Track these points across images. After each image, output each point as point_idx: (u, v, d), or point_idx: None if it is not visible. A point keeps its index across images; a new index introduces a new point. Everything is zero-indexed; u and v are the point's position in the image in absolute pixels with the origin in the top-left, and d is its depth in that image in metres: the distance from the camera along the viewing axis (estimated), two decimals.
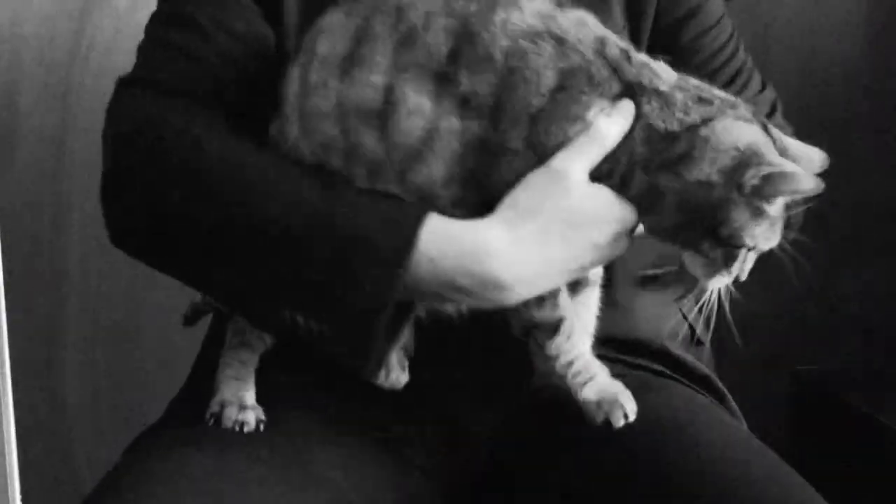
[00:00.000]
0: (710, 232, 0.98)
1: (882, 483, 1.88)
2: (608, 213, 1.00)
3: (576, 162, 0.98)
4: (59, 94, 1.97)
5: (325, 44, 1.01)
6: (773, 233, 1.00)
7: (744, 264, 1.01)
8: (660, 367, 1.26)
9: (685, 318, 1.32)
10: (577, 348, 1.07)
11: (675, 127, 0.98)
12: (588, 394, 1.07)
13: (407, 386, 1.11)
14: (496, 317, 1.05)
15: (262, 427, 1.08)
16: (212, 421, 1.08)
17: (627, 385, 1.12)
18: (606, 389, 1.07)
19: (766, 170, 0.95)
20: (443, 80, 0.99)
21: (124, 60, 2.01)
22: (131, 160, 1.07)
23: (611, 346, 1.23)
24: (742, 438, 1.12)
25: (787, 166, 0.96)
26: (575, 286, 1.09)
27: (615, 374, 1.16)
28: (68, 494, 2.04)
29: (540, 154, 0.99)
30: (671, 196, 0.99)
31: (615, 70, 0.99)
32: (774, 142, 1.00)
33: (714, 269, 1.01)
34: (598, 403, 1.07)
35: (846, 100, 2.15)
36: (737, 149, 0.97)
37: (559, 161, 0.99)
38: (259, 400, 1.12)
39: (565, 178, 0.99)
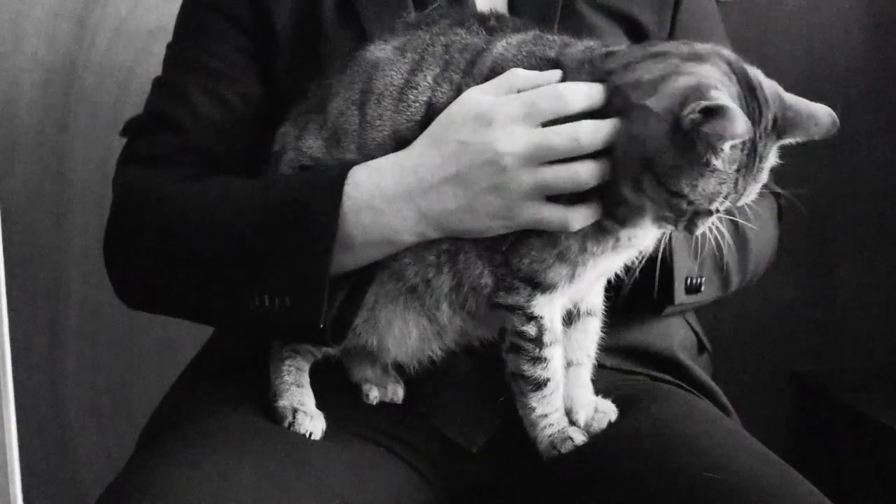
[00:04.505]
0: (647, 167, 0.99)
1: (882, 483, 1.88)
2: (478, 109, 1.05)
3: (478, 89, 1.08)
4: (59, 94, 1.97)
5: (382, 80, 1.10)
6: (716, 193, 0.98)
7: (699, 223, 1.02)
8: (663, 375, 1.26)
9: (691, 327, 1.33)
10: (554, 403, 1.12)
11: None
12: (548, 445, 1.13)
13: (404, 400, 1.20)
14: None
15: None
16: (289, 428, 1.13)
17: (631, 393, 1.17)
18: (564, 433, 1.12)
19: (704, 104, 0.95)
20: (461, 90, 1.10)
21: (124, 60, 2.01)
22: (121, 234, 1.22)
23: (619, 354, 1.24)
24: (746, 445, 1.12)
25: (724, 100, 0.95)
26: (571, 315, 1.14)
27: (617, 384, 1.18)
28: (68, 494, 2.05)
29: None
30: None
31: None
32: (757, 89, 1.00)
33: (660, 215, 1.02)
34: (553, 445, 1.12)
35: (846, 100, 2.14)
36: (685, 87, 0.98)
37: (467, 91, 1.08)
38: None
39: (463, 97, 1.07)
